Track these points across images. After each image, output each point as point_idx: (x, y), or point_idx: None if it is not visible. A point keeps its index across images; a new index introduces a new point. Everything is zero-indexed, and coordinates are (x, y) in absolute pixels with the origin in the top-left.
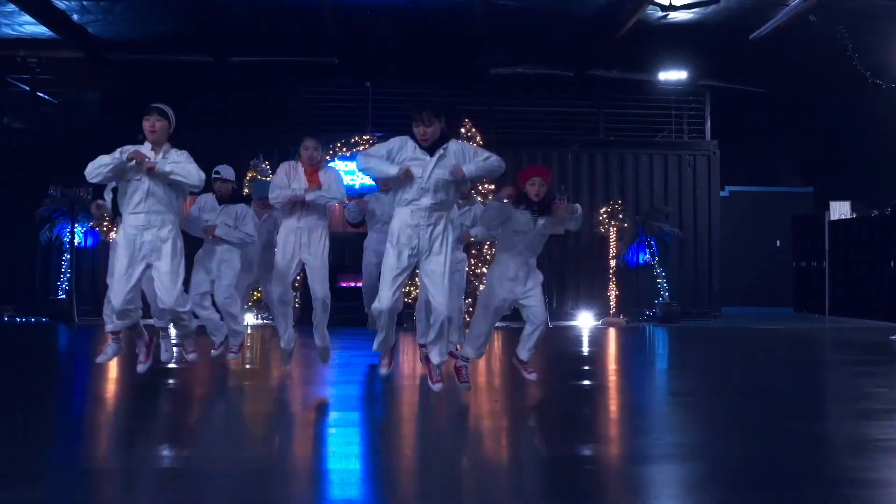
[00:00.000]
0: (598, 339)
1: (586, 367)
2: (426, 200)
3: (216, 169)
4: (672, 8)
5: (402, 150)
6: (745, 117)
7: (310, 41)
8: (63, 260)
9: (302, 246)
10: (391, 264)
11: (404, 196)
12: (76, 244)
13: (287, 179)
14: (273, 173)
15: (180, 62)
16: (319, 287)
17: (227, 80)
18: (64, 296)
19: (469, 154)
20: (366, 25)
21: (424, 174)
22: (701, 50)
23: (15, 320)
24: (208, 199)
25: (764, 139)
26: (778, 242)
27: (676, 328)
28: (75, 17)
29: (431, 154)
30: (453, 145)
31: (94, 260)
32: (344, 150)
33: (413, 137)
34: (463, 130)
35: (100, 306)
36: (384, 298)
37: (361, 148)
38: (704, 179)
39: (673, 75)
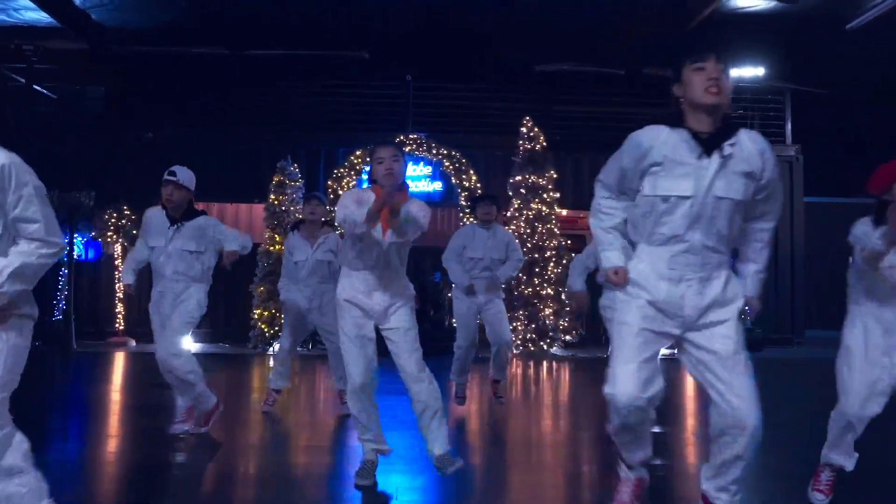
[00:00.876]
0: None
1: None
2: None
3: (171, 170)
4: None
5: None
6: (823, 120)
7: (338, 33)
8: (60, 275)
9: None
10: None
11: None
12: (75, 257)
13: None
14: (301, 178)
15: (193, 55)
16: None
17: (244, 75)
18: (60, 316)
19: None
20: (403, 16)
21: None
22: (783, 44)
23: None
24: (155, 215)
25: (845, 145)
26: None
27: (759, 359)
28: (78, 1)
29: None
30: None
31: (96, 275)
32: None
33: None
34: (524, 130)
35: (102, 328)
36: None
37: (408, 149)
38: (786, 188)
39: (748, 72)
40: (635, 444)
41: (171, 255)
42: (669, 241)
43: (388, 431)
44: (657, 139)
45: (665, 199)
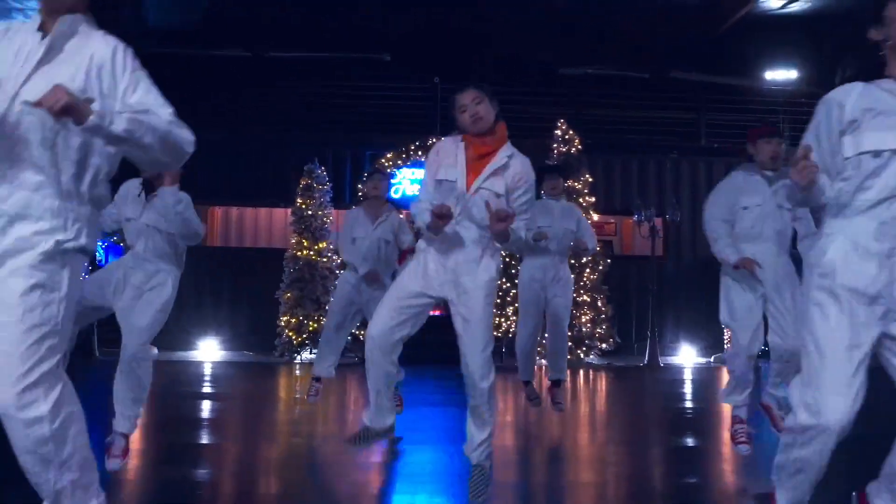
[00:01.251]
0: (704, 381)
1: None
2: None
3: None
4: None
5: None
6: None
7: (360, 35)
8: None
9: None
10: None
11: None
12: (96, 261)
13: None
14: (329, 181)
15: (214, 57)
16: None
17: (265, 77)
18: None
19: None
20: (425, 17)
21: None
22: (815, 46)
23: None
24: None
25: None
26: None
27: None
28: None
29: None
30: None
31: None
32: (418, 154)
33: None
34: (558, 133)
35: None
36: None
37: None
38: None
39: (780, 75)
40: (807, 485)
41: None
42: (878, 206)
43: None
44: (850, 94)
45: (876, 154)
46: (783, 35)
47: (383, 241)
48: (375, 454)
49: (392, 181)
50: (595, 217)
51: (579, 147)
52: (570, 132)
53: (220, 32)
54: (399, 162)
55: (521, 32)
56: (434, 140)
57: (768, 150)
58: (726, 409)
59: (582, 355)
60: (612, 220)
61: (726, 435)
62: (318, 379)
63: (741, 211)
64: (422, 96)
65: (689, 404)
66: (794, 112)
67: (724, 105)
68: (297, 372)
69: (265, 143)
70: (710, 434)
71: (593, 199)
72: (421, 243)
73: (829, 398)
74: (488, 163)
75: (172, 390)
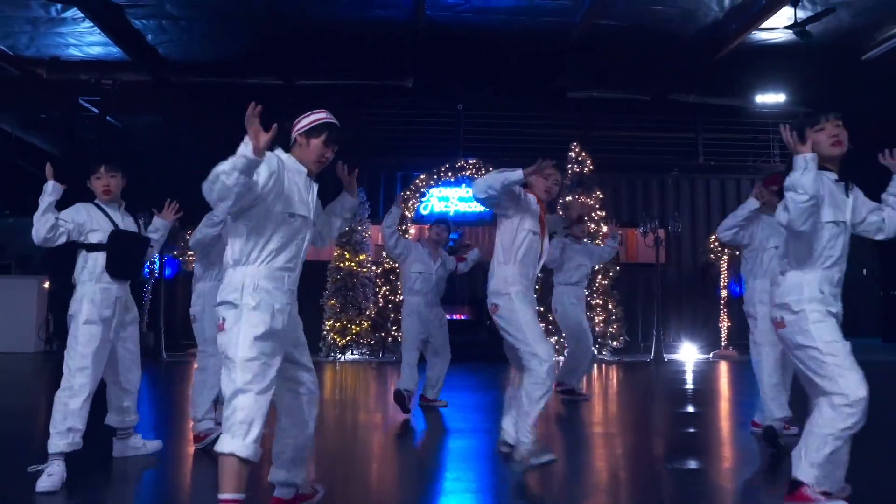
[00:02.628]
0: (708, 374)
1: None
2: None
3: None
4: (797, 26)
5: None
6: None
7: (385, 64)
8: (144, 291)
9: None
10: None
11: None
12: (157, 275)
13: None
14: (366, 200)
15: (249, 85)
16: None
17: (297, 103)
18: (147, 329)
19: None
20: (453, 46)
21: None
22: (802, 72)
23: None
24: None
25: (859, 166)
26: (864, 271)
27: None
28: (150, 36)
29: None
30: None
31: (173, 292)
32: (448, 174)
33: None
34: (572, 154)
35: (182, 340)
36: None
37: (467, 173)
38: None
39: (770, 98)
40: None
41: None
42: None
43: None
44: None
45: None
46: (772, 61)
47: (442, 278)
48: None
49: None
50: (604, 229)
51: (591, 167)
52: (583, 154)
53: (256, 62)
54: (431, 182)
55: (534, 60)
56: (464, 162)
57: None
58: (726, 396)
59: (596, 352)
60: (621, 232)
61: (725, 424)
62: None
63: None
64: (446, 122)
65: (693, 394)
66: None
67: (719, 126)
68: (338, 368)
69: None
70: (712, 421)
71: (604, 213)
72: None
73: (855, 374)
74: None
75: None
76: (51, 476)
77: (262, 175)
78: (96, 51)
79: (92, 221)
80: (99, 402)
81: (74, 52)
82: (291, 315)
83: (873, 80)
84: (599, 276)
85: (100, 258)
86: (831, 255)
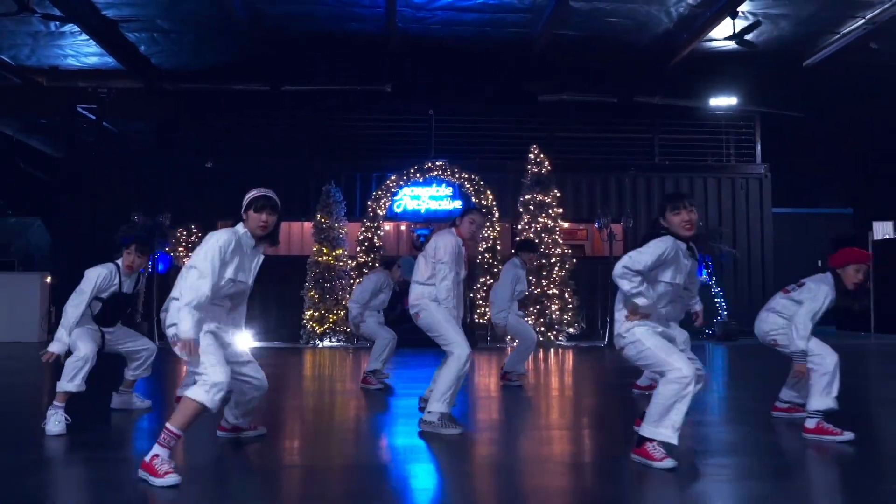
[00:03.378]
0: None
1: None
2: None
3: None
4: (736, 37)
5: (673, 254)
6: (788, 141)
7: (365, 71)
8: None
9: None
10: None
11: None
12: (151, 269)
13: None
14: (342, 199)
15: (236, 91)
16: None
17: (282, 108)
18: (142, 319)
19: None
20: (426, 55)
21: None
22: (752, 76)
23: None
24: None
25: (805, 162)
26: (819, 262)
27: (736, 346)
28: (143, 48)
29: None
30: None
31: (166, 285)
32: (417, 175)
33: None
34: (531, 156)
35: None
36: None
37: (435, 174)
38: (756, 202)
39: (723, 101)
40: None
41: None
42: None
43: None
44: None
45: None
46: (723, 67)
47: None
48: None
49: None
50: (565, 225)
51: (549, 168)
52: (542, 155)
53: (244, 70)
54: (401, 182)
55: (502, 67)
56: (431, 164)
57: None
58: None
59: (552, 337)
60: (584, 228)
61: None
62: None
63: None
64: (419, 126)
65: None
66: (735, 132)
67: (675, 127)
68: (318, 352)
69: (289, 168)
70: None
71: (561, 210)
72: None
73: (678, 358)
74: None
75: None
76: (58, 423)
77: (204, 289)
78: (93, 60)
79: (109, 286)
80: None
81: (73, 61)
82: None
83: (814, 81)
84: (556, 268)
85: (96, 307)
86: (661, 302)
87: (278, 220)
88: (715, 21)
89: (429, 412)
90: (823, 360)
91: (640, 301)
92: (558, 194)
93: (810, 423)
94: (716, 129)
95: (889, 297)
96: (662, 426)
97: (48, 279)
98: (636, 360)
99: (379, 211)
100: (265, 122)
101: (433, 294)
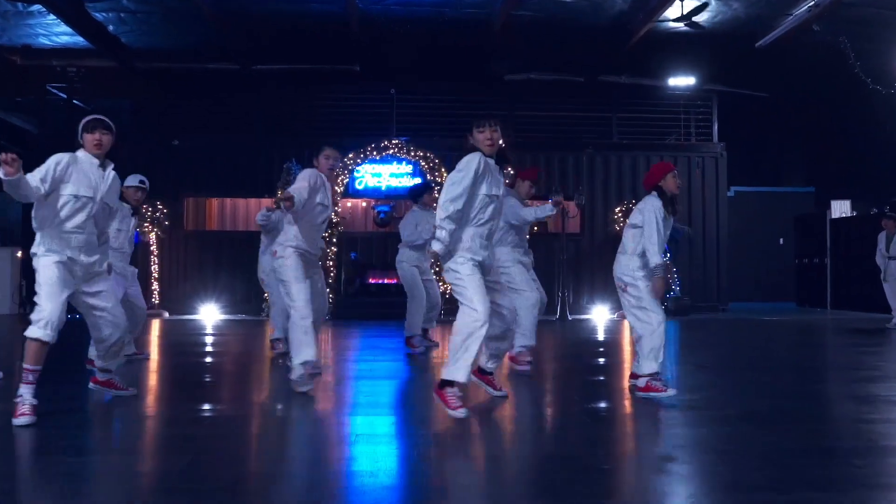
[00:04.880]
0: (614, 329)
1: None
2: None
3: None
4: (684, 18)
5: (483, 170)
6: (749, 121)
7: (333, 50)
8: None
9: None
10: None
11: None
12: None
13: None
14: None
15: (207, 70)
16: None
17: (253, 87)
18: None
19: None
20: (389, 35)
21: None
22: (708, 57)
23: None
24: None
25: (768, 141)
26: (781, 240)
27: (688, 321)
28: (111, 27)
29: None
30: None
31: (134, 260)
32: (374, 153)
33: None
34: None
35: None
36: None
37: (391, 152)
38: (712, 180)
39: (682, 81)
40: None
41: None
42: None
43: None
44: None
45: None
46: (680, 48)
47: None
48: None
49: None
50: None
51: (503, 145)
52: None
53: (214, 49)
54: (359, 160)
55: (464, 47)
56: (388, 142)
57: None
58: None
59: None
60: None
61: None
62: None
63: None
64: (381, 104)
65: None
66: (693, 111)
67: (633, 106)
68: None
69: (253, 145)
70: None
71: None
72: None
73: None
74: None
75: (182, 341)
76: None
77: (34, 181)
78: (64, 40)
79: None
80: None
81: (44, 41)
82: (82, 262)
83: (769, 62)
84: None
85: None
86: (482, 217)
87: (117, 140)
88: (666, 2)
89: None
90: (651, 325)
91: (436, 246)
92: (513, 172)
93: (641, 383)
94: (674, 108)
95: (844, 275)
96: (456, 367)
97: (19, 254)
98: (453, 290)
99: (337, 188)
100: (233, 101)
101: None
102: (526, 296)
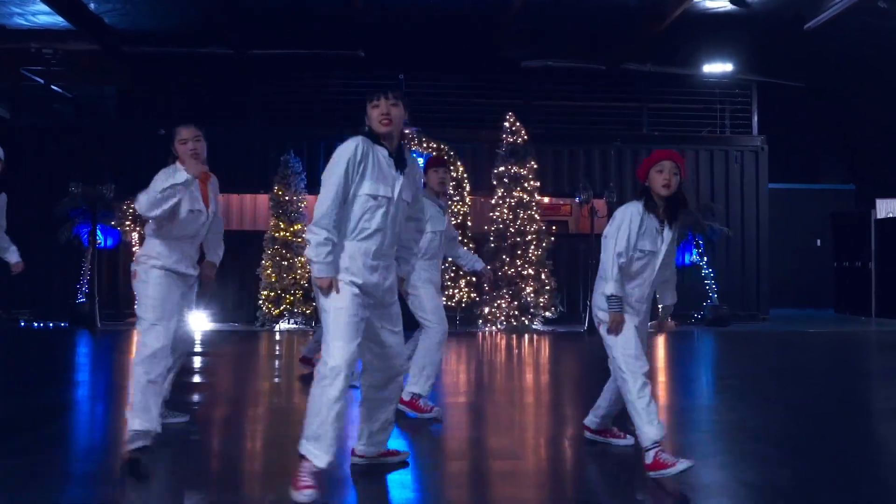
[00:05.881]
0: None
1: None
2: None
3: None
4: None
5: (364, 159)
6: (786, 112)
7: (335, 34)
8: (83, 260)
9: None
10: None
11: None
12: (96, 245)
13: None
14: (303, 170)
15: (199, 55)
16: None
17: (248, 73)
18: (84, 299)
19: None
20: (397, 17)
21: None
22: (748, 42)
23: (33, 325)
24: None
25: (805, 135)
26: (818, 241)
27: (728, 332)
28: (92, 6)
29: (398, 166)
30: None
31: (114, 261)
32: None
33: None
34: (507, 124)
35: (121, 309)
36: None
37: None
38: (752, 176)
39: (717, 68)
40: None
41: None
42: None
43: None
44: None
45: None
46: (718, 31)
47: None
48: None
49: None
50: (546, 200)
51: (525, 137)
52: (518, 124)
53: (206, 32)
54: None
55: (488, 30)
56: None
57: None
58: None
59: (527, 322)
60: (567, 203)
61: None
62: None
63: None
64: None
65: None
66: (730, 101)
67: (665, 95)
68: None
69: (247, 137)
70: None
71: (538, 184)
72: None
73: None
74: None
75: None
76: None
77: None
78: (43, 20)
79: None
80: None
81: (20, 20)
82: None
83: (816, 48)
84: (532, 247)
85: None
86: (366, 227)
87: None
88: None
89: None
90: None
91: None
92: (535, 166)
93: (649, 458)
94: (710, 98)
95: (891, 281)
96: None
97: None
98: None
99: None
100: (226, 88)
101: None
102: (432, 332)
